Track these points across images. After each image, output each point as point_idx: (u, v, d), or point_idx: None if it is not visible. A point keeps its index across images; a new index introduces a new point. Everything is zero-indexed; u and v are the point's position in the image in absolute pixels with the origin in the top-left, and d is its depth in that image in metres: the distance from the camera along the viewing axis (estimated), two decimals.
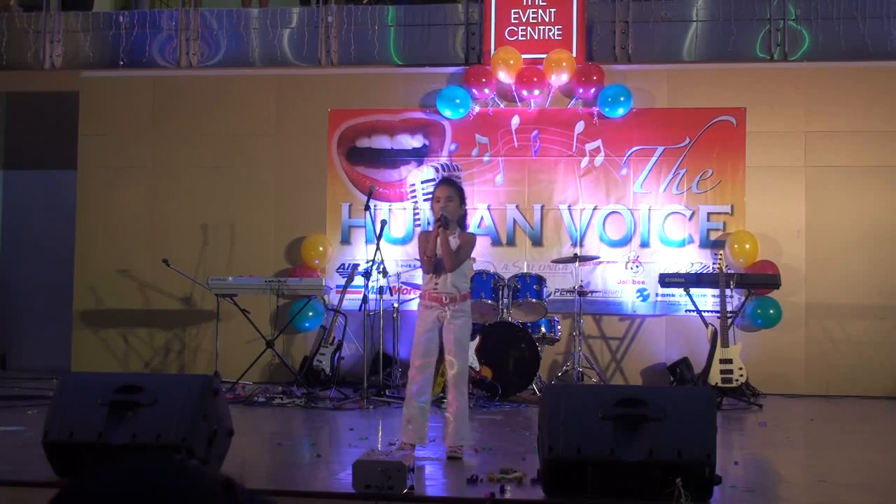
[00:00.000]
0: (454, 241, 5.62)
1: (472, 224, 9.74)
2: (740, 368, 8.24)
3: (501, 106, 9.81)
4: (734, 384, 8.22)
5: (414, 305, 8.29)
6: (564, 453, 4.28)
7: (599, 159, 9.66)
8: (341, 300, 9.11)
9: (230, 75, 10.28)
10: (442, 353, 5.69)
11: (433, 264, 5.56)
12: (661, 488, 4.21)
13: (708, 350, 8.32)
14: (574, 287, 9.01)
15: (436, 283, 5.57)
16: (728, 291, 8.65)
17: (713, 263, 9.05)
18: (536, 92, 9.65)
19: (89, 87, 10.27)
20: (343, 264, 9.74)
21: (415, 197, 9.81)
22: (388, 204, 9.77)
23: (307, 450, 6.24)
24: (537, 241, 9.71)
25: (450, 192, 5.70)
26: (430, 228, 5.80)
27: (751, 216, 9.47)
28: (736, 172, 9.52)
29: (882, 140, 9.42)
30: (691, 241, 9.55)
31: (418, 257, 5.85)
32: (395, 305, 8.99)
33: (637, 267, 9.53)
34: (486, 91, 9.72)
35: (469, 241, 5.74)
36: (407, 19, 10.24)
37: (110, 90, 10.29)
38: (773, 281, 8.91)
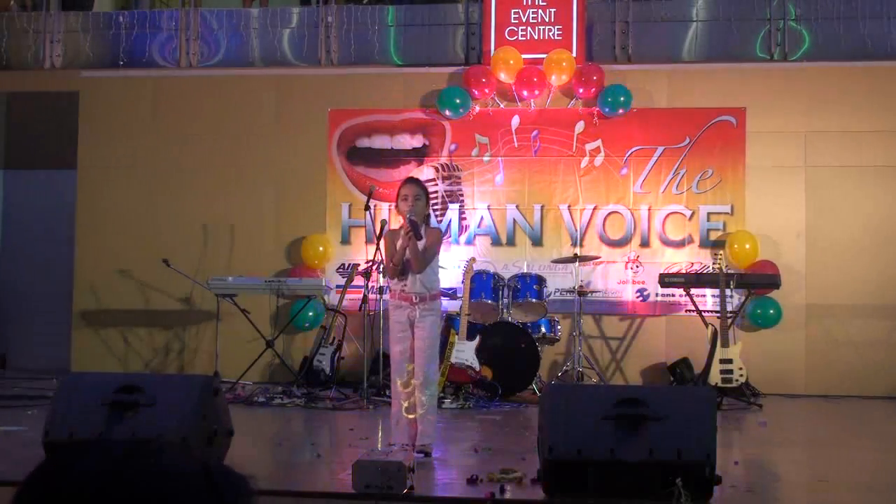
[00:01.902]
0: (420, 241, 5.60)
1: (472, 224, 9.76)
2: (740, 368, 8.24)
3: (501, 106, 9.81)
4: (734, 384, 8.21)
5: None
6: (565, 453, 4.28)
7: (599, 159, 9.66)
8: (341, 300, 9.11)
9: (230, 75, 10.27)
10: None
11: (399, 271, 5.55)
12: (661, 488, 4.21)
13: (708, 350, 8.32)
14: (574, 287, 9.01)
15: (405, 284, 5.57)
16: (728, 291, 8.65)
17: (713, 263, 9.05)
18: (536, 92, 9.65)
19: (89, 87, 10.27)
20: (343, 264, 9.74)
21: None
22: (388, 204, 9.76)
23: (307, 450, 6.24)
24: (537, 241, 9.70)
25: (417, 190, 5.68)
26: (396, 228, 5.76)
27: (751, 216, 9.46)
28: (736, 172, 9.51)
29: (882, 140, 9.41)
30: (691, 241, 9.54)
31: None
32: None
33: (637, 267, 9.53)
34: (486, 91, 9.71)
35: (436, 240, 5.71)
36: (407, 19, 10.24)
37: (110, 90, 10.29)
38: (772, 281, 8.91)
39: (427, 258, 5.59)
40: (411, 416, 5.58)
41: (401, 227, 5.62)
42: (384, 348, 8.72)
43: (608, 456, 4.26)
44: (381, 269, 8.12)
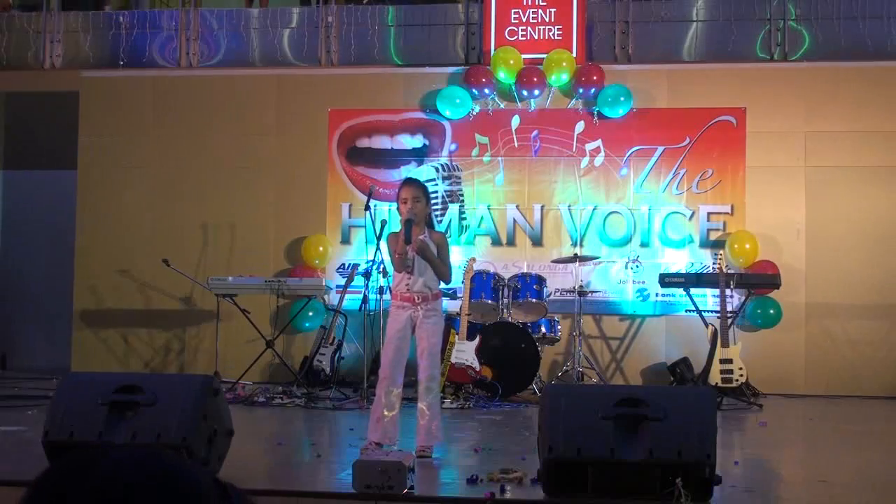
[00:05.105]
0: (425, 240, 5.60)
1: (472, 224, 9.76)
2: (740, 368, 8.24)
3: (501, 106, 9.81)
4: (734, 384, 8.21)
5: None
6: (564, 453, 4.28)
7: (599, 159, 9.66)
8: (341, 300, 9.11)
9: (230, 75, 10.27)
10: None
11: (404, 263, 5.54)
12: (661, 488, 4.21)
13: (708, 350, 8.32)
14: (574, 287, 9.01)
15: (407, 283, 5.57)
16: (728, 291, 8.65)
17: (713, 263, 9.05)
18: (536, 92, 9.65)
19: (89, 87, 10.27)
20: (343, 264, 9.74)
21: None
22: (388, 204, 9.75)
23: (307, 450, 6.25)
24: (537, 241, 9.70)
25: (416, 192, 5.67)
26: (398, 231, 5.77)
27: (751, 216, 9.46)
28: (736, 172, 9.52)
29: (882, 140, 9.41)
30: (691, 241, 9.55)
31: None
32: None
33: (637, 267, 9.53)
34: (486, 91, 9.72)
35: (446, 242, 5.77)
36: (407, 19, 10.24)
37: (110, 90, 10.29)
38: (772, 281, 8.91)
39: (446, 265, 5.66)
40: (390, 415, 5.58)
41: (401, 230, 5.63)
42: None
43: (608, 456, 4.26)
44: (381, 269, 8.12)
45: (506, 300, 8.75)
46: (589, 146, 9.68)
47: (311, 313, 9.47)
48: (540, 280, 8.91)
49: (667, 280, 8.92)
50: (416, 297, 5.56)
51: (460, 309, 8.49)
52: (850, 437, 7.06)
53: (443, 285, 5.84)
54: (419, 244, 5.51)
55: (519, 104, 9.77)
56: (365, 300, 8.28)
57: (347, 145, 9.97)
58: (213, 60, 10.46)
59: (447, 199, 9.78)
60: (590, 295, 9.21)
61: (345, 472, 4.74)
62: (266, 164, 10.03)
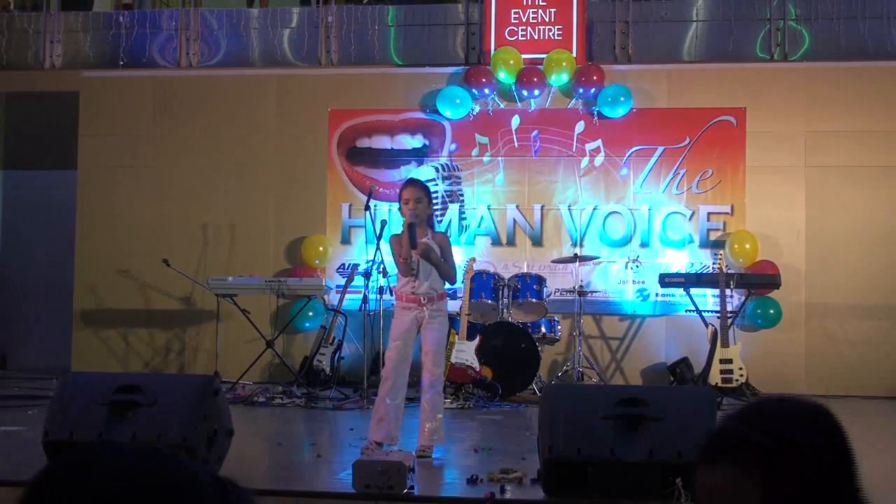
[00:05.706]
0: (429, 243, 5.60)
1: (472, 224, 9.76)
2: (740, 368, 8.24)
3: (501, 106, 9.81)
4: (734, 384, 8.22)
5: None
6: (564, 453, 4.28)
7: (599, 159, 9.66)
8: (341, 300, 9.11)
9: (230, 75, 10.27)
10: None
11: (408, 268, 5.54)
12: (661, 488, 4.21)
13: (708, 350, 8.32)
14: (574, 287, 9.01)
15: (413, 285, 5.57)
16: (728, 291, 8.65)
17: (713, 263, 9.05)
18: (536, 92, 9.65)
19: (89, 87, 10.27)
20: (343, 264, 9.74)
21: None
22: (388, 204, 9.76)
23: (307, 450, 6.25)
24: (537, 241, 9.70)
25: (417, 193, 5.66)
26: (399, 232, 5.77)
27: (751, 216, 9.46)
28: (736, 172, 9.51)
29: (882, 140, 9.41)
30: (691, 241, 9.54)
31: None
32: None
33: (637, 267, 9.53)
34: (486, 91, 9.71)
35: (449, 242, 5.79)
36: (407, 19, 10.24)
37: (110, 90, 10.29)
38: (773, 281, 8.91)
39: (451, 265, 5.67)
40: (392, 415, 5.58)
41: (402, 232, 5.63)
42: (384, 348, 8.71)
43: (608, 456, 4.26)
44: (381, 269, 8.12)
45: (506, 300, 8.75)
46: (589, 146, 9.67)
47: (311, 313, 9.47)
48: (540, 280, 8.91)
49: (667, 280, 8.92)
50: (422, 298, 5.58)
51: (460, 309, 8.49)
52: (850, 437, 7.05)
53: (447, 285, 5.84)
54: (423, 248, 5.51)
55: (519, 104, 9.77)
56: (365, 300, 8.29)
57: (347, 145, 9.97)
58: (213, 60, 10.45)
59: (447, 199, 9.78)
60: (590, 295, 9.20)
61: (345, 472, 4.75)
62: (266, 164, 10.03)
